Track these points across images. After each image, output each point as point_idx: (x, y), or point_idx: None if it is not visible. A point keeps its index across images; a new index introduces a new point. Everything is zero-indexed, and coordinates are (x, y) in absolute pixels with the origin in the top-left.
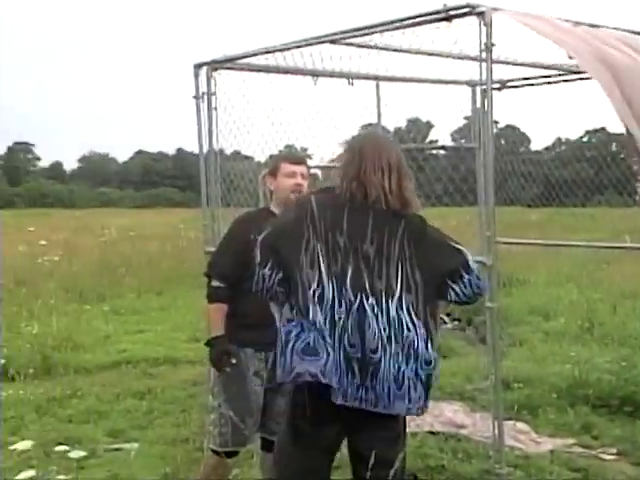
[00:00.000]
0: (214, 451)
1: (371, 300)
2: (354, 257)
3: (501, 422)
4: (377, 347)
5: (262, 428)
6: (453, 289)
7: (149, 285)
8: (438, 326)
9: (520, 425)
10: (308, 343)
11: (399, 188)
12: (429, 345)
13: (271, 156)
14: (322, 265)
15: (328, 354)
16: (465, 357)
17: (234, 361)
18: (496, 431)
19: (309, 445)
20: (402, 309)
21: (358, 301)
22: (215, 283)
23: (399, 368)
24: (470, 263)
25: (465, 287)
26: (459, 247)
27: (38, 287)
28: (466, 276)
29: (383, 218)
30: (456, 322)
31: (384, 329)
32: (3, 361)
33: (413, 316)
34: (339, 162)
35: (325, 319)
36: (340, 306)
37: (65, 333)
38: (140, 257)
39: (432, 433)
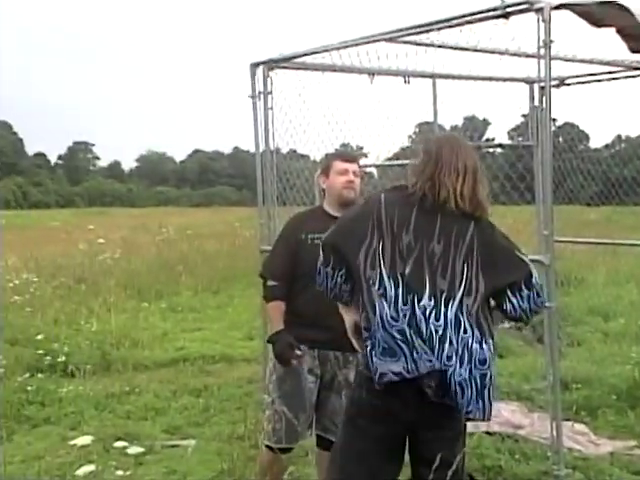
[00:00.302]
0: (268, 447)
1: (424, 302)
2: (418, 256)
3: (559, 423)
4: (432, 348)
5: (316, 425)
6: (510, 301)
7: (206, 283)
8: (494, 328)
9: (579, 426)
10: (384, 347)
11: (472, 191)
12: (483, 345)
13: (327, 155)
14: (383, 264)
15: (403, 352)
16: (522, 357)
17: (300, 352)
18: (554, 432)
19: (368, 443)
20: (462, 312)
21: (410, 302)
22: (270, 283)
23: (445, 372)
24: (533, 278)
25: (522, 301)
26: (525, 259)
27: (97, 285)
28: (525, 291)
29: (452, 219)
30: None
31: (436, 331)
32: (64, 358)
33: (472, 319)
34: (415, 161)
35: (392, 316)
36: (405, 304)
37: (123, 330)
38: (197, 255)
39: (489, 433)
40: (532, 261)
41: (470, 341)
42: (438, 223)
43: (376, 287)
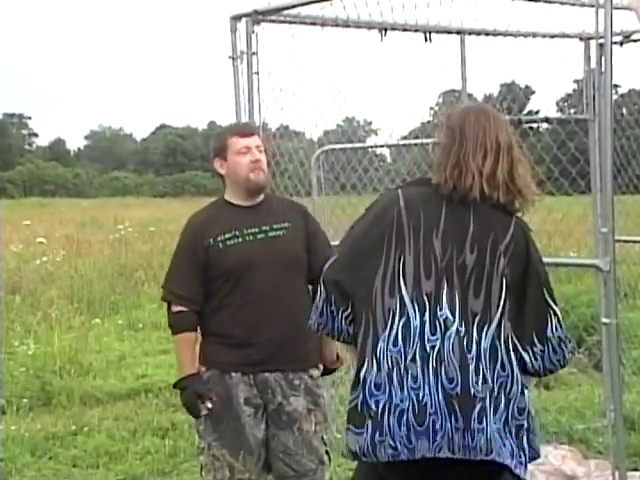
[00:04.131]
0: None
1: (457, 326)
2: (447, 269)
3: (624, 473)
4: (478, 380)
5: (270, 472)
6: (522, 357)
7: None
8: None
9: None
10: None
11: (509, 176)
12: (525, 390)
13: (218, 133)
14: (404, 287)
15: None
16: (575, 388)
17: (210, 405)
18: None
19: None
20: (499, 340)
21: (456, 324)
22: (176, 308)
23: (486, 417)
24: (548, 332)
25: (535, 359)
26: (552, 305)
27: (36, 296)
28: (538, 346)
29: (489, 218)
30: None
31: (471, 363)
32: None
33: (511, 351)
34: (438, 142)
35: (415, 353)
36: (433, 333)
37: (69, 353)
38: (163, 258)
39: None
40: (587, 266)
41: (508, 382)
42: (471, 225)
43: (391, 321)
